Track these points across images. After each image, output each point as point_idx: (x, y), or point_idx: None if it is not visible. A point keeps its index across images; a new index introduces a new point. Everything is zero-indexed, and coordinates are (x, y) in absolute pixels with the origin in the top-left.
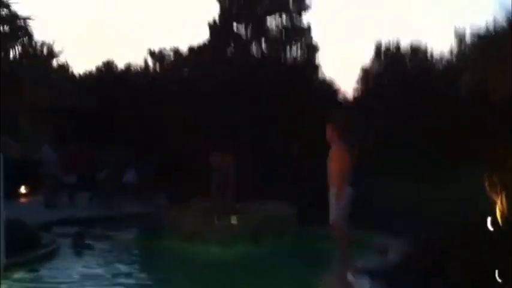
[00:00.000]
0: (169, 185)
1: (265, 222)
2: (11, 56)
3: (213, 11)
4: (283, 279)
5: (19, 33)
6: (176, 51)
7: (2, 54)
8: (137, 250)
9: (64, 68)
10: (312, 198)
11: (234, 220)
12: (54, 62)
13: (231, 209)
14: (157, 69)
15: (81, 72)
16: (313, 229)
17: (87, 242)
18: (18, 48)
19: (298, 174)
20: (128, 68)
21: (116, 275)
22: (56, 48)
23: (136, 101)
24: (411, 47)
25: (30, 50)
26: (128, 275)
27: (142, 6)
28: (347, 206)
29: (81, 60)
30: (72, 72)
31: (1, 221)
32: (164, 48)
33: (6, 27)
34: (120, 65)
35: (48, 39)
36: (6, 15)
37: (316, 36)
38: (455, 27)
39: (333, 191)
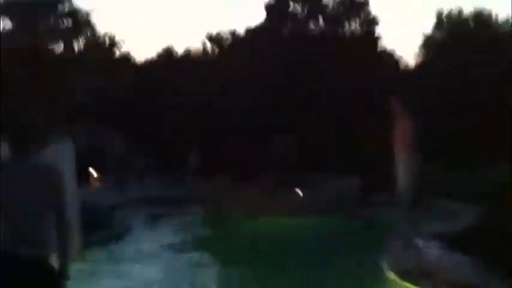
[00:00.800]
0: (230, 167)
1: (331, 193)
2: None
3: None
4: (349, 247)
5: (81, 27)
6: (233, 34)
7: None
8: (207, 224)
9: (126, 58)
10: (375, 169)
11: (298, 192)
12: (116, 52)
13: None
14: (216, 52)
15: (143, 60)
16: (376, 198)
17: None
18: (81, 41)
19: (360, 146)
20: (188, 54)
21: (190, 246)
22: (118, 38)
23: (197, 87)
24: (474, 13)
25: (93, 42)
26: (199, 243)
27: None
28: (413, 175)
29: (142, 49)
30: (134, 61)
31: (75, 202)
32: (221, 32)
33: (69, 22)
34: (180, 50)
35: (110, 31)
36: (69, 10)
37: (375, 9)
38: None
39: (400, 161)
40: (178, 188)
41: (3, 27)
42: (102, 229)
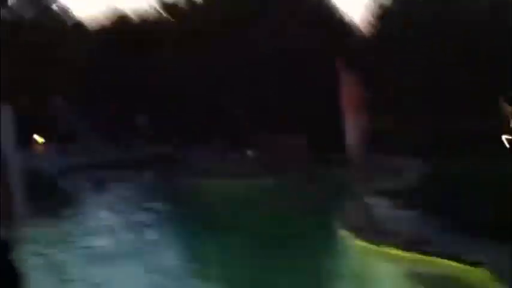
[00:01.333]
0: (182, 128)
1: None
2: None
3: None
4: (303, 206)
5: None
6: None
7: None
8: (157, 188)
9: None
10: (326, 128)
11: (249, 153)
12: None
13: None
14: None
15: (84, 16)
16: (328, 157)
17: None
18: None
19: (309, 104)
20: (139, 17)
21: (137, 211)
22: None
23: (148, 51)
24: None
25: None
26: (147, 208)
27: None
28: (361, 133)
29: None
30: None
31: (15, 171)
32: None
33: None
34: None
35: None
36: None
37: None
38: None
39: (349, 119)
40: (127, 151)
41: None
42: (48, 197)
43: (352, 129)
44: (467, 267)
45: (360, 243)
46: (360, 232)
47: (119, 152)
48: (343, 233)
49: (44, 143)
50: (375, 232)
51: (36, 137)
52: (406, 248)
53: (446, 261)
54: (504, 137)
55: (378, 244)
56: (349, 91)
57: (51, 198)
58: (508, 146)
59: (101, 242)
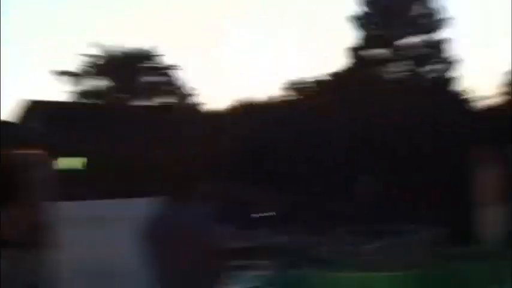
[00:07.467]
0: (306, 215)
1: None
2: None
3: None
4: None
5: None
6: (317, 80)
7: None
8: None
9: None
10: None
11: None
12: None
13: None
14: (297, 98)
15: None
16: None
17: None
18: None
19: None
20: (268, 101)
21: None
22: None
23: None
24: None
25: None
26: None
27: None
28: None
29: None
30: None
31: None
32: (302, 78)
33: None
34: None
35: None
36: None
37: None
38: None
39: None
40: (255, 239)
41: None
42: None
43: (491, 220)
44: None
45: None
46: None
47: (246, 239)
48: None
49: None
50: None
51: None
52: None
53: None
54: None
55: None
56: (488, 179)
57: None
58: None
59: None
